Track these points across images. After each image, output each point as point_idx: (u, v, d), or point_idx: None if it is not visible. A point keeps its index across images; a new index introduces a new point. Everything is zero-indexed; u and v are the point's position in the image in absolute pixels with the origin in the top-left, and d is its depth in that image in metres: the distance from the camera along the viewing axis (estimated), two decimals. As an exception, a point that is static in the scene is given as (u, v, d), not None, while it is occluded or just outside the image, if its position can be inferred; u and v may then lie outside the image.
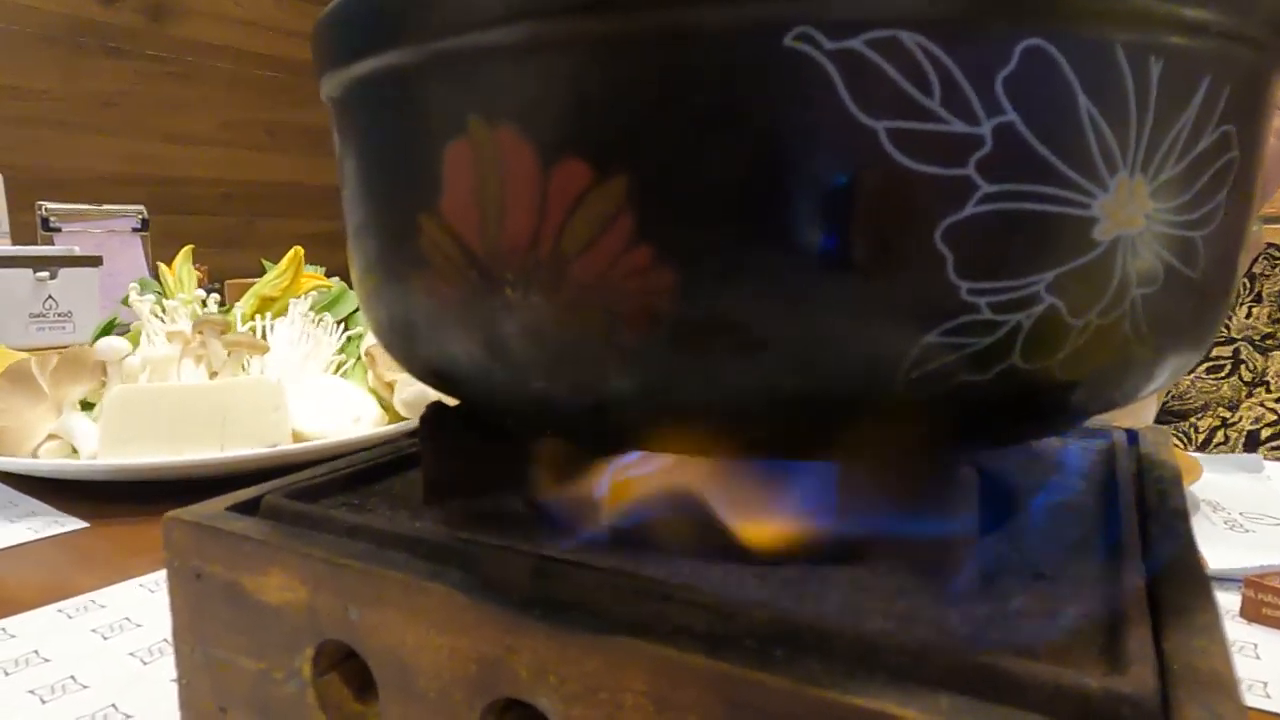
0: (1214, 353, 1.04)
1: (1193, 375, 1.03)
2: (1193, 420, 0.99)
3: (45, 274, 0.97)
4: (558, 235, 0.16)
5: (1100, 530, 0.21)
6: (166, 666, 0.30)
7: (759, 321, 0.16)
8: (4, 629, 0.33)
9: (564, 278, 0.16)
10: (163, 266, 0.78)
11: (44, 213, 1.12)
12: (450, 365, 0.20)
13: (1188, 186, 0.17)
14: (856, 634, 0.15)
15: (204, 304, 0.71)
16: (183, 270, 0.76)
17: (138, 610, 0.34)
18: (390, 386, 0.61)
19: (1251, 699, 0.30)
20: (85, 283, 1.00)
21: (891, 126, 0.15)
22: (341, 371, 0.66)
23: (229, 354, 0.57)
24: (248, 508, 0.25)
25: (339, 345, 0.69)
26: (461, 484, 0.25)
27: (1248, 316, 1.06)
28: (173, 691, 0.24)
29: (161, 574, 0.37)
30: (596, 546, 0.20)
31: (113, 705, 0.28)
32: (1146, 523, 0.21)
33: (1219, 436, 0.95)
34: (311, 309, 0.70)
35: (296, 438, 0.54)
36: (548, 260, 0.17)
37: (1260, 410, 0.95)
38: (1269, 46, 0.17)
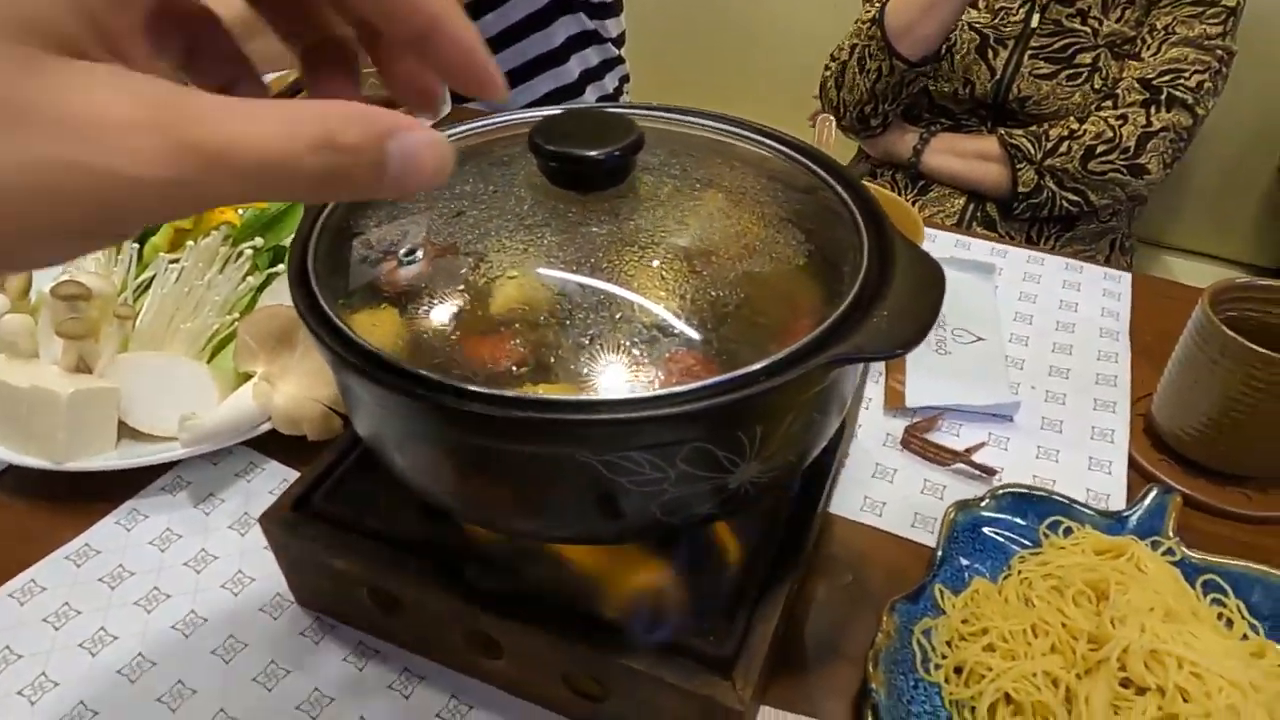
0: (1077, 59, 1.08)
1: (1054, 81, 1.08)
2: (1045, 127, 1.06)
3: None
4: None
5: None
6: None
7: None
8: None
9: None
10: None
11: None
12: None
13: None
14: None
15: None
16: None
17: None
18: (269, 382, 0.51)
19: (868, 517, 0.52)
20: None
21: (625, 480, 0.31)
22: (218, 340, 0.55)
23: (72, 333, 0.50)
24: (301, 503, 0.43)
25: (243, 298, 0.56)
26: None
27: (1118, 20, 1.07)
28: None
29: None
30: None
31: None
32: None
33: (1063, 148, 1.04)
34: (228, 241, 0.57)
35: (132, 432, 0.51)
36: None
37: (1102, 125, 1.02)
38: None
